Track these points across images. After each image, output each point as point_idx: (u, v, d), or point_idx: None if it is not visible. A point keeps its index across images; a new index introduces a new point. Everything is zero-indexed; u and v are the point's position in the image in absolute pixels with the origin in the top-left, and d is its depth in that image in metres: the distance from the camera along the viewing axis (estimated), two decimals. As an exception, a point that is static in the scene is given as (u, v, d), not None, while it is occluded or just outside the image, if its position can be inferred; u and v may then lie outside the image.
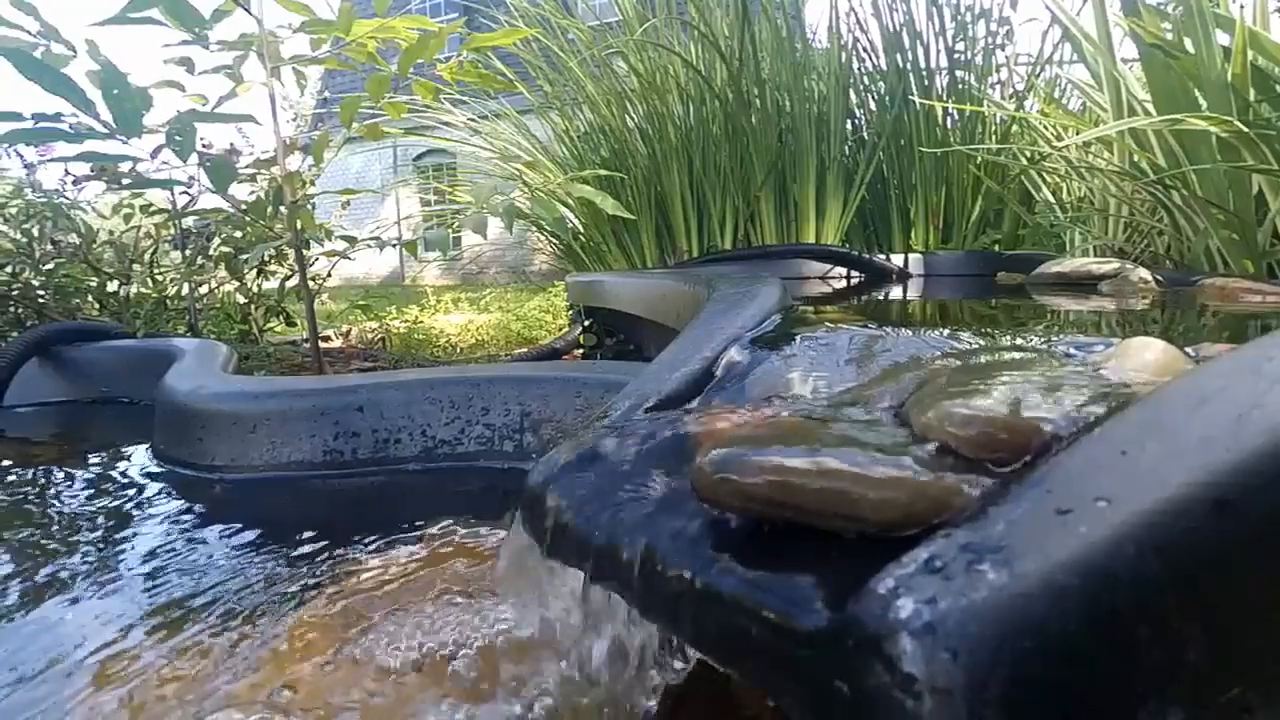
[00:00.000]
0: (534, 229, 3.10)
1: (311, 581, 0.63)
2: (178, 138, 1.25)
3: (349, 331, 2.46)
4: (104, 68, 1.20)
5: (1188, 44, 1.40)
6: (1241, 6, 1.51)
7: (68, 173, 2.10)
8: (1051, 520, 0.22)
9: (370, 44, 1.48)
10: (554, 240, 3.06)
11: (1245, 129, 1.26)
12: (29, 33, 1.40)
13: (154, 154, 1.62)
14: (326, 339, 2.36)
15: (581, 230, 2.80)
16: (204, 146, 1.82)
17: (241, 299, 2.30)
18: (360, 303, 2.49)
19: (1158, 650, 0.21)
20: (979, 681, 0.19)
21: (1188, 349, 0.41)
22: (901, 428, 0.35)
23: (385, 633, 0.53)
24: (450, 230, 1.85)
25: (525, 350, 2.05)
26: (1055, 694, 0.20)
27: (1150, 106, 1.60)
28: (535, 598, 0.43)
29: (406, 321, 2.50)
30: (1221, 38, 1.37)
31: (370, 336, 2.34)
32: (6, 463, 1.12)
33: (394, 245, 1.50)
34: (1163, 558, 0.21)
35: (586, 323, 2.01)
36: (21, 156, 2.12)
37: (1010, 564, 0.21)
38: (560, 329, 2.34)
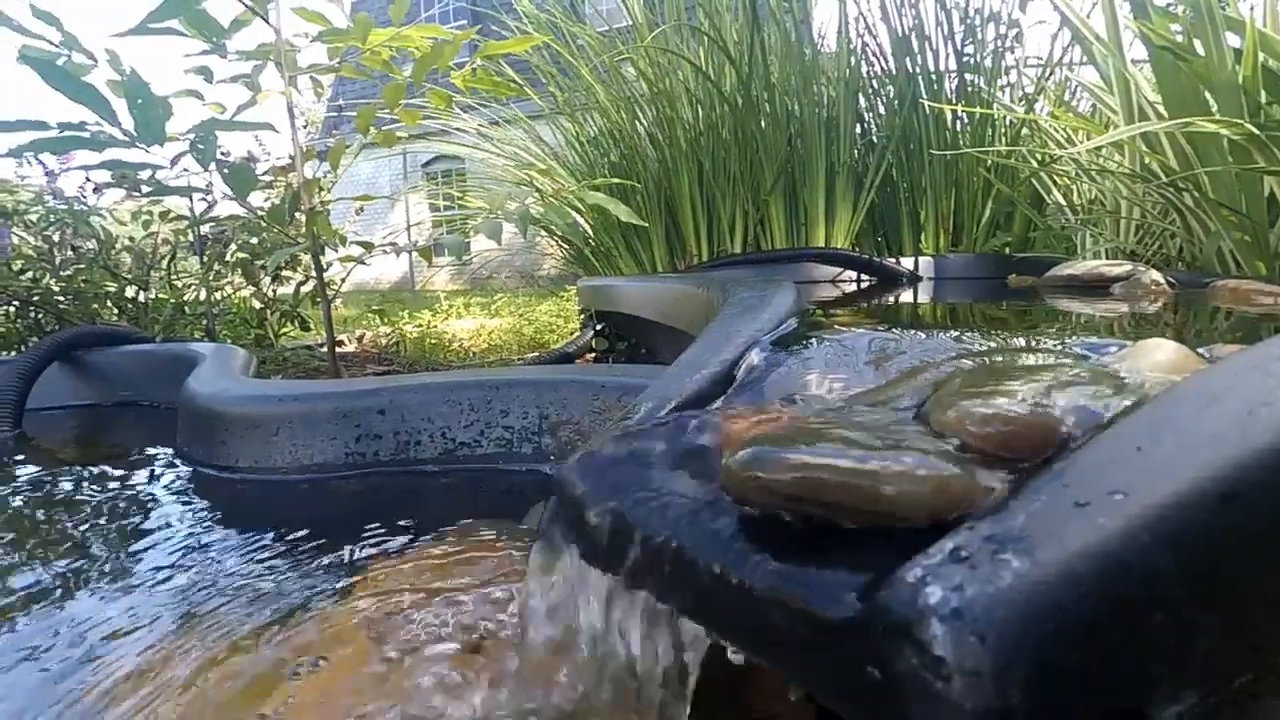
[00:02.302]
0: (544, 234, 3.12)
1: (338, 579, 0.65)
2: (200, 145, 1.28)
3: (363, 336, 2.48)
4: (129, 78, 1.22)
5: (1198, 46, 1.40)
6: (1252, 8, 1.52)
7: (88, 180, 2.13)
8: (1070, 512, 0.24)
9: (385, 52, 1.51)
10: (564, 245, 3.08)
11: (1257, 131, 1.27)
12: (51, 43, 1.43)
13: (173, 161, 1.65)
14: (340, 344, 2.38)
15: (592, 235, 2.82)
16: (222, 154, 1.84)
17: (257, 304, 2.33)
18: (376, 308, 2.52)
19: (1171, 636, 0.22)
20: (1005, 663, 0.20)
21: (1200, 349, 0.42)
22: (922, 427, 0.37)
23: (414, 627, 0.55)
24: (464, 236, 1.87)
25: (538, 355, 2.07)
26: (1076, 675, 0.21)
27: (1161, 108, 1.60)
28: (563, 591, 0.45)
29: (419, 326, 2.52)
30: (1232, 40, 1.37)
31: (384, 341, 2.37)
32: (34, 465, 1.15)
33: (411, 251, 1.52)
34: (1175, 548, 0.22)
35: (598, 327, 2.03)
36: (43, 164, 2.16)
37: (1032, 553, 0.22)
38: (572, 333, 2.36)
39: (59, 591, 0.65)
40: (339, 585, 0.64)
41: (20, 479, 1.06)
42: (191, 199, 2.04)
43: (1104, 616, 0.21)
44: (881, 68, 2.65)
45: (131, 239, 2.27)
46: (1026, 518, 0.24)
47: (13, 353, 2.03)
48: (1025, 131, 2.48)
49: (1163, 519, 0.22)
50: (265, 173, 1.88)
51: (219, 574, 0.67)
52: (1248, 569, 0.24)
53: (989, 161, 2.37)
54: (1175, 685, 0.22)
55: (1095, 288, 1.21)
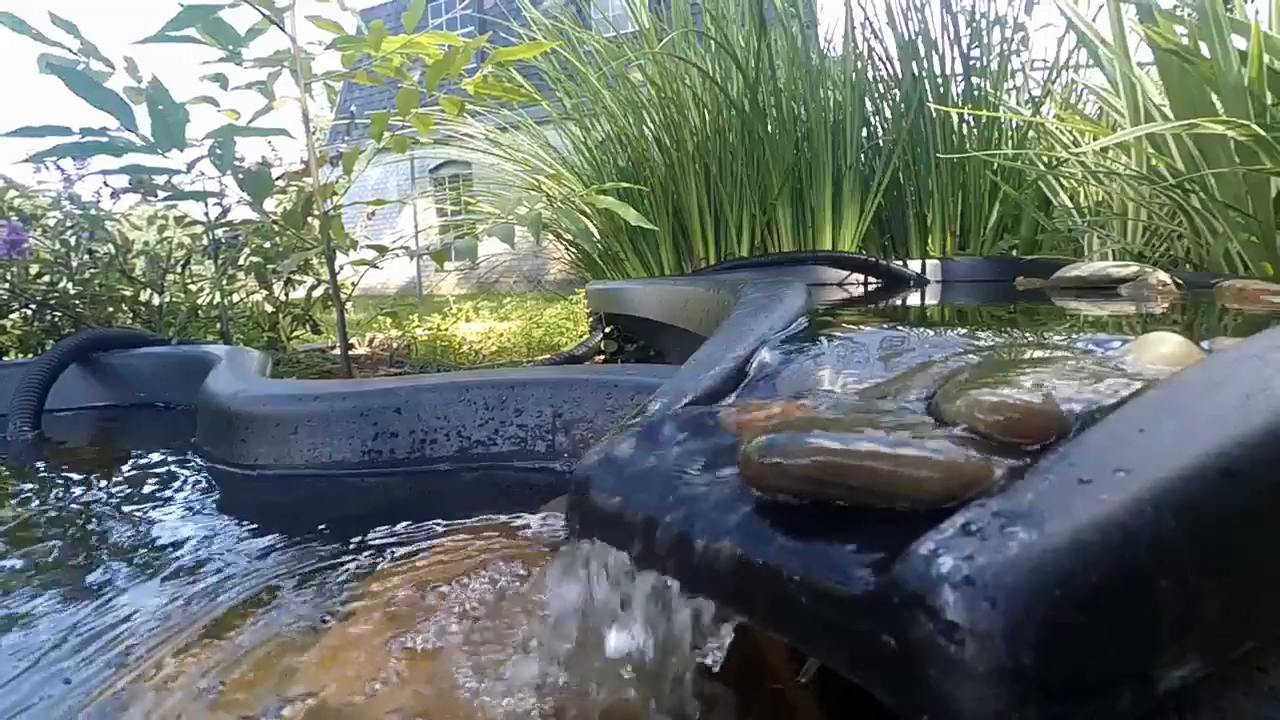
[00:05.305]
0: (553, 238, 3.14)
1: (355, 572, 0.66)
2: (218, 150, 1.30)
3: (374, 340, 2.51)
4: (151, 85, 1.25)
5: (1203, 49, 1.41)
6: (1257, 11, 1.53)
7: (106, 184, 2.16)
8: (1075, 489, 0.25)
9: (397, 59, 1.53)
10: (572, 249, 3.10)
11: (1263, 132, 1.27)
12: (70, 50, 1.45)
13: (190, 167, 1.68)
14: (352, 347, 2.40)
15: (600, 239, 2.84)
16: (236, 160, 1.87)
17: (269, 308, 2.36)
18: (387, 311, 2.54)
19: (1175, 602, 0.23)
20: (1016, 625, 0.22)
21: (1203, 343, 0.44)
22: (932, 416, 0.38)
23: (430, 614, 0.56)
24: (475, 239, 1.89)
25: (548, 357, 2.09)
26: (1084, 637, 0.22)
27: (1167, 111, 1.61)
28: (582, 581, 0.46)
29: (430, 329, 2.55)
30: (1238, 42, 1.38)
31: (395, 344, 2.39)
32: (56, 464, 1.17)
33: (424, 255, 1.54)
34: (1178, 519, 0.23)
35: (607, 329, 2.05)
36: (61, 169, 2.19)
37: (1040, 525, 0.23)
38: (581, 336, 2.37)
39: (93, 585, 0.67)
40: (356, 578, 0.65)
41: (43, 478, 1.08)
42: (206, 204, 2.06)
43: (1110, 582, 0.22)
44: (888, 72, 2.66)
45: (147, 243, 2.30)
46: (1034, 495, 0.25)
47: (30, 355, 2.06)
48: (1032, 134, 2.49)
49: (1167, 493, 0.24)
50: (279, 178, 1.90)
51: (240, 566, 0.69)
52: (1247, 540, 0.25)
53: (996, 164, 2.38)
54: (1180, 649, 0.23)
55: (1102, 289, 1.22)
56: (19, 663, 0.54)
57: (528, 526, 0.74)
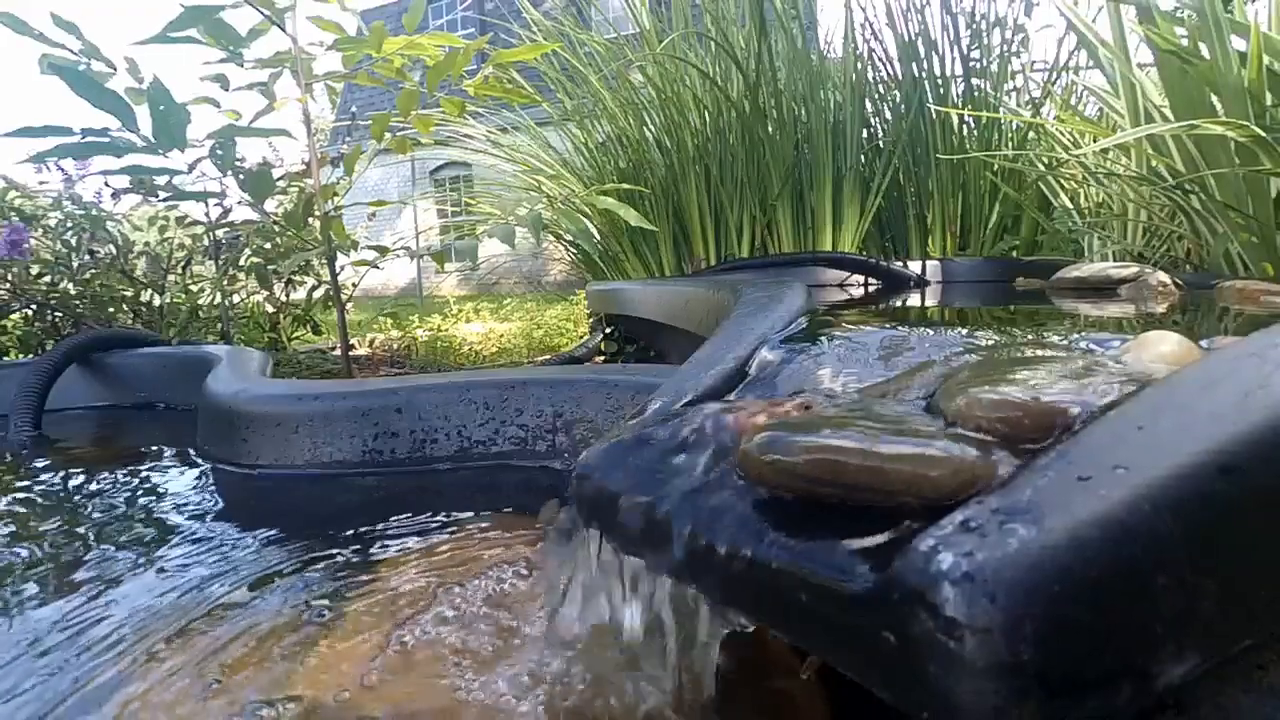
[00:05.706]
0: (553, 239, 3.14)
1: (356, 569, 0.66)
2: (219, 151, 1.30)
3: (374, 340, 2.51)
4: (152, 85, 1.25)
5: (1203, 50, 1.41)
6: (1256, 12, 1.53)
7: (107, 184, 2.17)
8: (1074, 485, 0.25)
9: (398, 60, 1.53)
10: (572, 250, 3.10)
11: (1262, 133, 1.28)
12: (71, 51, 1.46)
13: (191, 167, 1.68)
14: (353, 347, 2.40)
15: (600, 240, 2.84)
16: (237, 161, 1.87)
17: (270, 308, 2.36)
18: (388, 312, 2.54)
19: (1174, 598, 0.23)
20: (1015, 621, 0.22)
21: (1202, 342, 0.44)
22: (932, 415, 0.38)
23: (434, 615, 0.56)
24: (476, 240, 1.90)
25: (548, 358, 2.09)
26: (1083, 633, 0.22)
27: (1167, 112, 1.61)
28: (585, 573, 0.46)
29: (430, 330, 2.55)
30: (1237, 43, 1.38)
31: (395, 345, 2.39)
32: (57, 464, 1.17)
33: (425, 255, 1.54)
34: (1176, 515, 0.23)
35: (607, 330, 2.05)
36: (62, 170, 2.20)
37: (1039, 521, 0.24)
38: (581, 337, 2.37)
39: (103, 579, 0.67)
40: (354, 575, 0.65)
41: (44, 478, 1.09)
42: (207, 204, 2.07)
43: (1109, 578, 0.22)
44: (888, 73, 2.67)
45: (147, 244, 2.30)
46: (1033, 491, 0.26)
47: (31, 355, 2.06)
48: (1032, 135, 2.49)
49: (1164, 489, 0.24)
50: (280, 178, 1.91)
51: (237, 562, 0.69)
52: (1245, 537, 0.25)
53: (996, 165, 2.38)
54: (1178, 646, 0.23)
55: (1103, 290, 1.22)
56: (9, 651, 0.54)
57: (527, 525, 0.74)
